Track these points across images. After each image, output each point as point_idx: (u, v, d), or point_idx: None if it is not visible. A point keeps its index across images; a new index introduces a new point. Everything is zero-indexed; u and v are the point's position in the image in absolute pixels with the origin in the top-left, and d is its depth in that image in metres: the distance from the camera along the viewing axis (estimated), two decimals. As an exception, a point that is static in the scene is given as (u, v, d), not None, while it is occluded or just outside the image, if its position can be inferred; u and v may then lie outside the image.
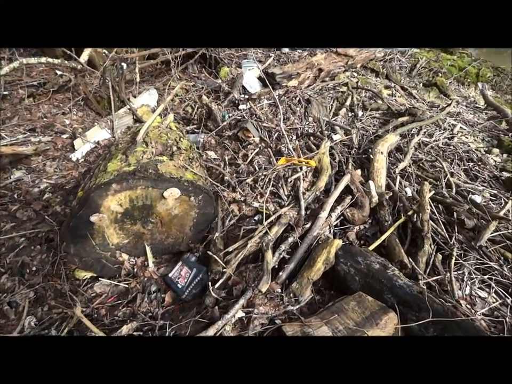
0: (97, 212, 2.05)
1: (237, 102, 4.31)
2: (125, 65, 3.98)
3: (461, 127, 4.75)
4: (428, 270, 2.12)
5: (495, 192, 3.23)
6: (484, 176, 3.55)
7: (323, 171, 2.84)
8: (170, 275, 2.15)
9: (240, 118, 3.68)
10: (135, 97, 4.30)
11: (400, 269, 2.10)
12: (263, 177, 2.69)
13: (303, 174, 2.78)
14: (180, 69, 5.29)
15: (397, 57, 7.19)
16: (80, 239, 2.10)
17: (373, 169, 2.95)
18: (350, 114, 4.62)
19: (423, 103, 5.53)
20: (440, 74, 7.11)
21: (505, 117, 5.17)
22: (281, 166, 2.78)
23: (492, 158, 4.15)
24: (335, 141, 3.61)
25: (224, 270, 2.06)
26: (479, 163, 3.84)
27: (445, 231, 2.43)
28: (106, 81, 3.98)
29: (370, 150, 3.29)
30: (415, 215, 2.49)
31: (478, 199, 2.98)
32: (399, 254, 2.19)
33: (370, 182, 2.75)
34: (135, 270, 2.26)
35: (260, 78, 4.87)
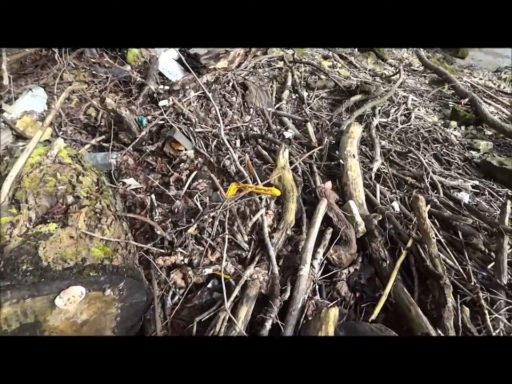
0: None
1: (155, 96, 3.35)
2: (-18, 62, 2.79)
3: (412, 98, 4.30)
4: (460, 335, 1.56)
5: (477, 183, 2.79)
6: (456, 162, 3.11)
7: (288, 195, 2.12)
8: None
9: (163, 122, 2.76)
10: (10, 102, 3.11)
11: (425, 343, 1.52)
12: (210, 219, 1.89)
13: (265, 205, 2.03)
14: (74, 55, 4.11)
15: (327, 20, 6.50)
16: None
17: (347, 180, 2.30)
18: (294, 97, 3.91)
19: (365, 72, 5.00)
20: (372, 36, 6.65)
21: (450, 82, 4.83)
22: (233, 198, 2.00)
23: (451, 134, 3.76)
24: (288, 138, 2.90)
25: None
26: (446, 143, 3.40)
27: (457, 263, 1.89)
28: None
29: (335, 150, 2.63)
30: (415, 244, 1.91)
31: (466, 198, 2.51)
32: (417, 318, 1.59)
33: (351, 202, 2.10)
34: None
35: (179, 60, 3.91)
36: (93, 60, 4.23)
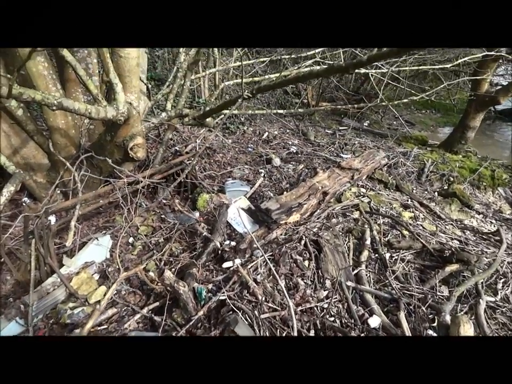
0: None
1: (219, 252, 3.07)
2: (53, 220, 2.77)
3: (519, 265, 3.57)
4: None
5: None
6: None
7: None
8: None
9: (224, 297, 2.38)
10: (71, 254, 3.01)
11: None
12: None
13: None
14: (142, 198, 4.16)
15: (401, 161, 6.35)
16: None
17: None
18: (373, 257, 3.41)
19: (452, 225, 4.43)
20: (452, 179, 6.22)
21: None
22: None
23: None
24: (374, 328, 2.32)
25: None
26: None
27: None
28: (29, 239, 2.73)
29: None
30: None
31: None
32: None
33: None
34: None
35: (249, 211, 3.74)
36: (165, 201, 4.25)
